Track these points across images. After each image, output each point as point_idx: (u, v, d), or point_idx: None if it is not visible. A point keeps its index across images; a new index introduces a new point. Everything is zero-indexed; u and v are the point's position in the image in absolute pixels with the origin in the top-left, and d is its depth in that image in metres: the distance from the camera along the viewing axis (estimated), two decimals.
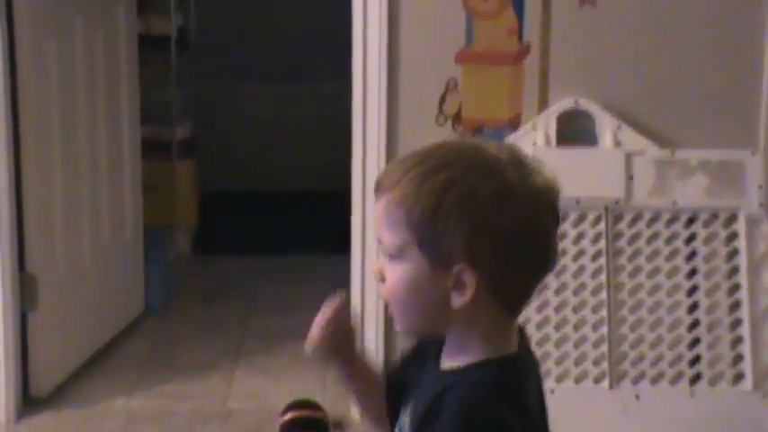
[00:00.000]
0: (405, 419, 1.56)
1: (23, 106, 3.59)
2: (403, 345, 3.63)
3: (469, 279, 1.46)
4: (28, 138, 3.62)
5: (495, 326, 1.51)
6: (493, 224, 1.45)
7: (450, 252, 1.45)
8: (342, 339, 1.66)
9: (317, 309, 4.91)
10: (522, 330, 1.57)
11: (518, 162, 1.49)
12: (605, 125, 3.48)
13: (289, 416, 1.62)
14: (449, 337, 1.53)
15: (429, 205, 1.45)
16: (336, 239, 4.10)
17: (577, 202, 3.41)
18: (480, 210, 1.45)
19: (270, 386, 3.91)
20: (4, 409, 3.59)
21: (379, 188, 1.50)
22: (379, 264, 1.52)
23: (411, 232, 1.46)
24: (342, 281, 3.94)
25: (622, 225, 3.47)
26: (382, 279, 1.51)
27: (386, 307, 3.57)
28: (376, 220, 1.51)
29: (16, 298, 3.63)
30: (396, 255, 1.48)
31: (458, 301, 1.47)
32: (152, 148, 4.70)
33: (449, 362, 1.53)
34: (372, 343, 3.62)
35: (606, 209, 3.45)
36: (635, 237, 3.47)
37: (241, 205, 5.72)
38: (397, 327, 1.54)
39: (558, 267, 3.29)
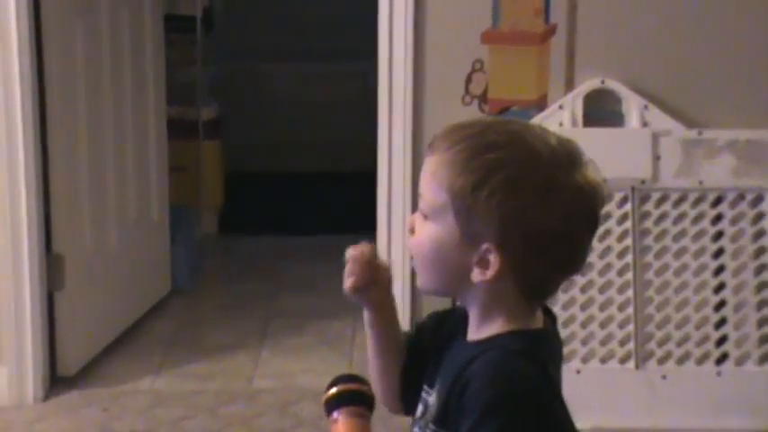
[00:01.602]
0: (431, 397, 1.56)
1: (50, 87, 3.60)
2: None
3: (494, 260, 1.47)
4: (54, 119, 3.63)
5: (518, 304, 1.52)
6: (530, 216, 1.45)
7: (481, 230, 1.46)
8: (375, 277, 1.64)
9: (341, 289, 4.96)
10: (548, 310, 1.58)
11: (573, 160, 1.49)
12: (632, 105, 3.46)
13: (334, 390, 1.61)
14: (472, 311, 1.54)
15: (473, 180, 1.46)
16: (361, 219, 4.11)
17: (604, 182, 3.39)
18: (521, 199, 1.45)
19: (295, 366, 3.92)
20: (32, 388, 3.61)
21: (433, 146, 1.51)
22: (413, 217, 1.54)
23: (450, 199, 1.47)
24: None
25: (649, 205, 3.46)
26: (412, 231, 1.53)
27: (411, 285, 3.58)
28: (422, 175, 1.52)
29: (43, 278, 3.65)
30: (430, 214, 1.50)
31: (478, 276, 1.48)
32: (178, 129, 4.71)
33: (474, 333, 1.55)
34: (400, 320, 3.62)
35: (633, 189, 3.44)
36: (661, 217, 3.46)
37: (266, 186, 5.72)
38: (418, 283, 1.56)
39: None
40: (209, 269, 4.78)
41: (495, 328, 1.51)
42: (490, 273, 1.47)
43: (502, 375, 1.45)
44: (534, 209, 1.45)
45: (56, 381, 3.73)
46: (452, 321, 1.63)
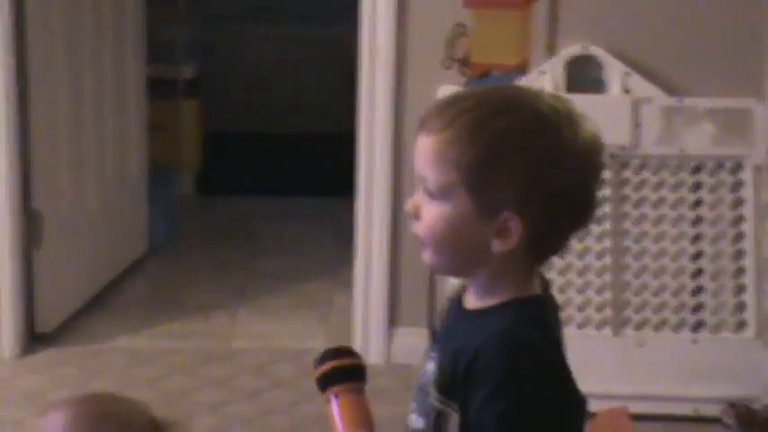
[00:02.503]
0: (429, 362, 1.55)
1: (29, 44, 3.57)
2: (409, 290, 3.66)
3: (515, 227, 1.46)
4: (33, 77, 3.60)
5: (524, 270, 1.52)
6: (546, 179, 1.46)
7: (499, 199, 1.46)
8: None
9: (319, 250, 4.93)
10: (543, 277, 1.58)
11: (571, 116, 1.49)
12: (613, 72, 3.47)
13: (327, 366, 1.57)
14: (476, 279, 1.54)
15: (483, 150, 1.45)
16: (339, 182, 4.11)
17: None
18: (535, 163, 1.45)
19: (273, 326, 3.93)
20: (9, 345, 3.61)
21: (427, 126, 1.49)
22: (416, 200, 1.51)
23: (460, 174, 1.46)
24: (344, 223, 3.96)
25: (628, 172, 3.47)
26: (417, 215, 1.51)
27: (390, 247, 3.59)
28: (419, 156, 1.49)
29: (21, 235, 3.64)
30: (438, 194, 1.48)
31: (498, 246, 1.47)
32: (157, 88, 4.69)
33: (475, 302, 1.54)
34: (379, 283, 3.63)
35: (612, 156, 3.44)
36: (641, 184, 3.47)
37: (245, 146, 5.71)
38: (429, 264, 1.53)
39: None
40: (186, 229, 4.78)
41: (499, 296, 1.51)
42: (513, 240, 1.47)
43: (513, 346, 1.45)
44: (549, 169, 1.46)
45: (33, 338, 3.73)
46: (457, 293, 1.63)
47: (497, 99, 1.49)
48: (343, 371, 1.57)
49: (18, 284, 3.63)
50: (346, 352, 1.60)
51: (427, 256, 1.52)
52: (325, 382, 1.57)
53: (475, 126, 1.45)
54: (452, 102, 1.50)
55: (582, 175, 1.48)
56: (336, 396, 1.56)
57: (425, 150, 1.48)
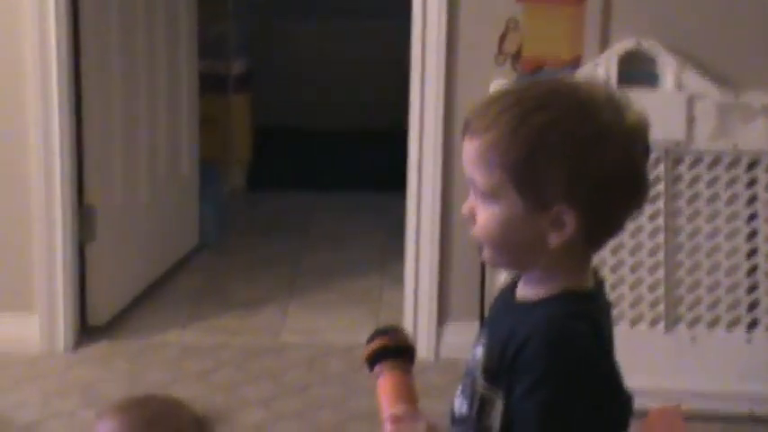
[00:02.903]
0: (477, 349, 1.57)
1: (84, 40, 3.60)
2: (459, 285, 3.65)
3: (569, 218, 1.47)
4: (88, 73, 3.63)
5: (578, 263, 1.53)
6: (593, 165, 1.46)
7: (549, 193, 1.46)
8: None
9: (369, 245, 4.92)
10: (597, 272, 1.58)
11: (612, 100, 1.49)
12: (667, 66, 3.44)
13: (375, 344, 1.61)
14: (533, 272, 1.54)
15: (528, 147, 1.45)
16: (389, 177, 4.11)
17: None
18: (580, 151, 1.45)
19: (322, 321, 3.93)
20: (62, 338, 3.65)
21: (471, 128, 1.50)
22: (470, 203, 1.52)
23: (508, 173, 1.47)
24: (394, 218, 3.96)
25: (682, 168, 3.44)
26: (474, 219, 1.52)
27: (440, 242, 3.59)
28: (466, 159, 1.51)
29: (75, 230, 3.67)
30: (489, 195, 1.49)
31: (555, 239, 1.48)
32: (208, 83, 4.71)
33: (527, 292, 1.55)
34: (428, 278, 3.63)
35: (666, 151, 3.42)
36: (694, 180, 3.44)
37: (295, 142, 5.72)
38: (488, 262, 1.55)
39: None
40: (236, 224, 4.79)
41: (551, 287, 1.52)
42: (568, 231, 1.47)
43: (559, 338, 1.46)
44: (595, 157, 1.46)
45: (86, 331, 3.76)
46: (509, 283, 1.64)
47: (535, 94, 1.49)
48: (391, 350, 1.60)
49: (72, 278, 3.66)
50: (396, 332, 1.64)
51: (486, 255, 1.54)
52: (373, 360, 1.61)
53: (516, 124, 1.46)
54: (492, 102, 1.50)
55: (629, 157, 1.48)
56: (382, 373, 1.59)
57: (471, 153, 1.50)
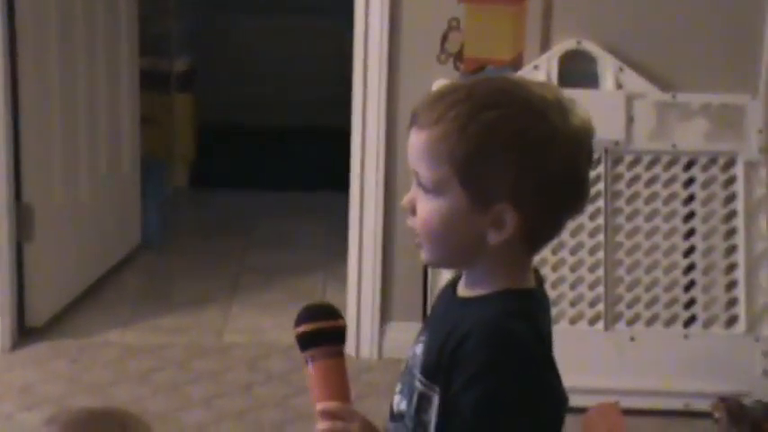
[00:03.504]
0: (417, 346, 1.57)
1: (21, 36, 3.56)
2: (402, 284, 3.65)
3: (510, 218, 1.47)
4: (26, 68, 3.59)
5: (519, 262, 1.53)
6: (539, 167, 1.46)
7: (493, 191, 1.46)
8: None
9: (313, 245, 4.91)
10: (537, 271, 1.59)
11: (560, 103, 1.49)
12: (607, 67, 3.47)
13: (303, 328, 1.55)
14: (472, 270, 1.54)
15: (475, 144, 1.45)
16: (333, 176, 4.10)
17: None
18: (527, 152, 1.45)
19: (266, 321, 3.92)
20: (0, 338, 3.60)
21: (418, 121, 1.49)
22: (411, 195, 1.51)
23: (453, 169, 1.46)
24: (338, 217, 3.95)
25: (621, 167, 3.47)
26: (413, 211, 1.51)
27: (383, 242, 3.59)
28: (411, 152, 1.50)
29: (13, 228, 3.63)
30: (432, 189, 1.48)
31: (494, 238, 1.48)
32: (150, 81, 4.68)
33: (468, 290, 1.55)
34: (371, 278, 3.63)
35: (606, 151, 3.44)
36: (634, 179, 3.47)
37: (239, 140, 5.70)
38: (425, 258, 1.54)
39: None
40: (179, 223, 4.77)
41: (492, 285, 1.52)
42: (508, 231, 1.47)
43: (498, 335, 1.46)
44: (541, 158, 1.46)
45: (24, 331, 3.72)
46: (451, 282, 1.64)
47: (486, 91, 1.49)
48: (320, 333, 1.55)
49: (9, 278, 3.62)
50: (325, 312, 1.58)
51: (424, 254, 1.53)
52: (303, 344, 1.55)
53: (465, 120, 1.45)
54: (441, 96, 1.49)
55: (574, 161, 1.48)
56: (313, 359, 1.55)
57: (417, 145, 1.49)
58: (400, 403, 1.57)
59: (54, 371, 3.53)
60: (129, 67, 4.25)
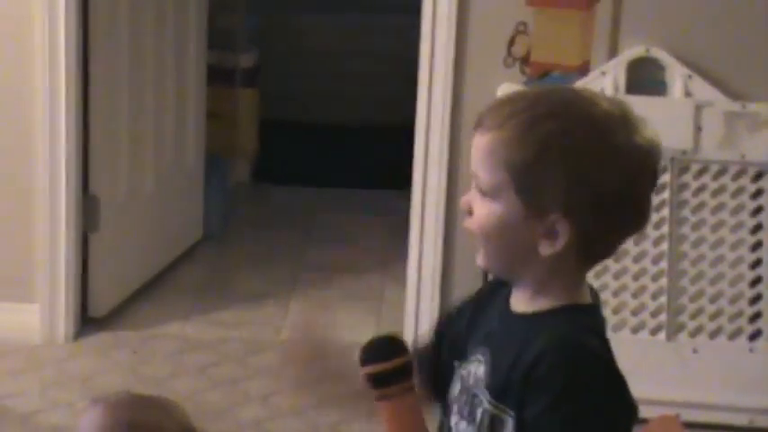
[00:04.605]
0: (474, 365, 1.55)
1: (92, 30, 3.60)
2: (461, 285, 3.64)
3: (563, 230, 1.46)
4: (96, 62, 3.63)
5: (575, 276, 1.52)
6: (596, 181, 1.45)
7: (547, 201, 1.46)
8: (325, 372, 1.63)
9: (372, 243, 4.90)
10: (593, 289, 1.58)
11: (627, 120, 1.48)
12: (676, 74, 3.43)
13: (370, 369, 1.55)
14: (524, 282, 1.53)
15: (533, 153, 1.45)
16: (394, 174, 4.10)
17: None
18: (585, 166, 1.45)
19: (323, 318, 3.92)
20: (63, 328, 3.64)
21: (482, 124, 1.49)
22: (469, 197, 1.52)
23: (510, 175, 1.46)
24: (398, 216, 3.95)
25: (688, 176, 3.44)
26: (470, 212, 1.51)
27: (444, 243, 3.58)
28: (474, 154, 1.50)
29: (79, 219, 3.66)
30: (489, 193, 1.48)
31: (547, 249, 1.47)
32: (215, 75, 4.70)
33: (525, 305, 1.54)
34: (431, 277, 3.62)
35: (672, 159, 3.41)
36: (700, 189, 3.44)
37: (301, 136, 5.70)
38: (480, 261, 1.54)
39: None
40: (240, 217, 4.79)
41: (549, 301, 1.51)
42: (560, 242, 1.47)
43: (574, 353, 1.45)
44: (599, 173, 1.45)
45: (86, 321, 3.75)
46: (486, 295, 1.62)
47: (552, 101, 1.49)
48: (385, 375, 1.55)
49: (74, 268, 3.66)
50: (388, 349, 1.57)
51: (480, 258, 1.53)
52: (370, 384, 1.56)
53: (526, 127, 1.45)
54: (507, 101, 1.50)
55: (634, 180, 1.47)
56: (381, 399, 1.55)
57: (479, 148, 1.49)
58: (459, 423, 1.55)
59: (115, 362, 3.57)
60: (196, 61, 4.28)
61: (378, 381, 1.55)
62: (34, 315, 3.63)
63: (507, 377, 1.48)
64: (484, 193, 1.49)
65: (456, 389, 1.58)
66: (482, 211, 1.49)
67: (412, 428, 1.54)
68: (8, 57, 3.53)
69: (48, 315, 3.63)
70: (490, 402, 1.50)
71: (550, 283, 1.50)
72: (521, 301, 1.54)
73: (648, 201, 1.51)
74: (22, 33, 3.51)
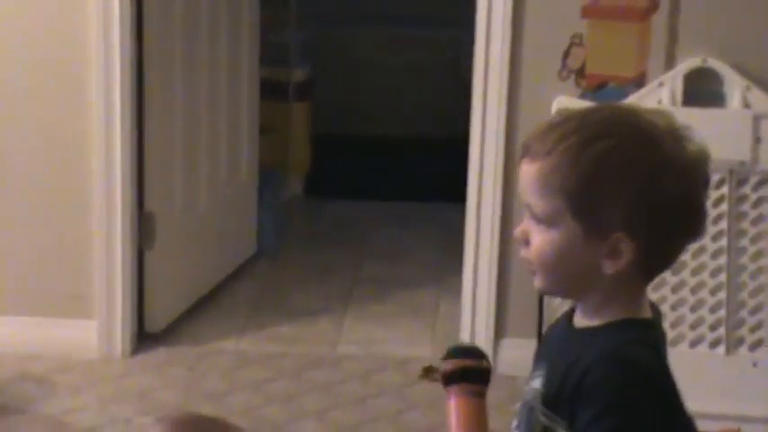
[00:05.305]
0: (535, 380, 1.56)
1: (147, 46, 3.62)
2: (517, 299, 3.62)
3: (626, 247, 1.47)
4: (150, 77, 3.65)
5: (635, 290, 1.52)
6: (652, 195, 1.45)
7: (607, 221, 1.46)
8: None
9: (427, 257, 4.90)
10: (654, 305, 1.58)
11: (674, 130, 1.49)
12: (734, 86, 3.39)
13: (450, 364, 1.60)
14: (586, 300, 1.54)
15: (587, 174, 1.45)
16: (449, 187, 4.09)
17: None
18: (640, 180, 1.45)
19: (379, 333, 3.92)
20: (120, 343, 3.66)
21: (530, 152, 1.50)
22: (524, 226, 1.52)
23: (565, 200, 1.46)
24: (453, 230, 3.94)
25: (747, 188, 3.40)
26: (527, 242, 1.51)
27: (499, 257, 3.56)
28: (523, 183, 1.51)
29: (135, 235, 3.69)
30: (545, 221, 1.49)
31: (610, 268, 1.48)
32: (268, 90, 4.71)
33: (587, 321, 1.54)
34: (486, 292, 3.60)
35: (731, 171, 3.37)
36: (759, 201, 3.40)
37: (355, 149, 5.71)
38: (539, 286, 1.54)
39: None
40: (294, 232, 4.80)
41: (610, 315, 1.51)
42: (624, 260, 1.47)
43: (623, 365, 1.46)
44: (654, 188, 1.45)
45: (143, 337, 3.77)
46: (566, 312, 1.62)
47: (596, 121, 1.49)
48: (466, 371, 1.59)
49: (130, 284, 3.68)
50: (474, 353, 1.63)
51: (538, 282, 1.53)
52: (448, 380, 1.60)
53: (576, 151, 1.45)
54: (552, 127, 1.50)
55: (688, 189, 1.48)
56: (455, 395, 1.58)
57: (529, 177, 1.50)
58: None
59: (171, 377, 3.58)
60: (249, 76, 4.29)
61: (465, 375, 1.59)
62: (92, 331, 3.66)
63: (559, 389, 1.49)
64: (539, 221, 1.49)
65: (519, 404, 1.60)
66: (540, 239, 1.50)
67: (474, 430, 1.56)
68: (64, 75, 3.56)
69: (105, 331, 3.66)
70: (544, 413, 1.52)
71: (612, 298, 1.51)
72: (583, 317, 1.55)
73: (703, 206, 1.52)
74: (77, 51, 3.54)
